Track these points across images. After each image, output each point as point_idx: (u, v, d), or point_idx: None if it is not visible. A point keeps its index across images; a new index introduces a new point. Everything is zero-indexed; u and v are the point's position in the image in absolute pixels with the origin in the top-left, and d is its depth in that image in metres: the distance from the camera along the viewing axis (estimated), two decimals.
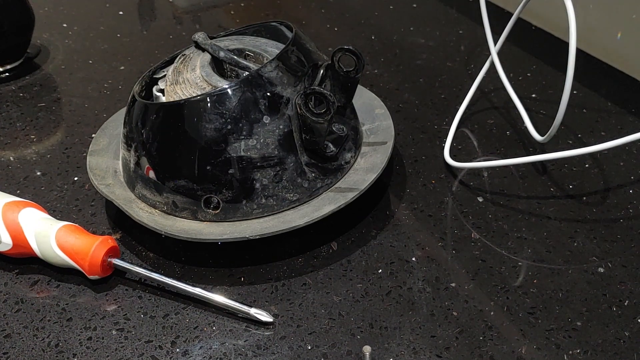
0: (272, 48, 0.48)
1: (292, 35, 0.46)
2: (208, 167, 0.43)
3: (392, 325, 0.39)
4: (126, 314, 0.41)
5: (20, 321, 0.41)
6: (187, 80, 0.45)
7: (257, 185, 0.43)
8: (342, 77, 0.46)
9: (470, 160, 0.52)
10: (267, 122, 0.43)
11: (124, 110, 0.50)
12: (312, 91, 0.42)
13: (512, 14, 0.61)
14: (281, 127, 0.43)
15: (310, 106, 0.43)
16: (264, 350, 0.39)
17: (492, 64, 0.57)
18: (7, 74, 0.67)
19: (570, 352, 0.38)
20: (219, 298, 0.41)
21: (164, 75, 0.48)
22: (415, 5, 0.78)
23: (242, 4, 0.81)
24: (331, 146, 0.46)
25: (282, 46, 0.48)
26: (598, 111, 0.57)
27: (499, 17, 0.72)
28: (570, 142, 0.54)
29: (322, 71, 0.46)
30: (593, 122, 0.56)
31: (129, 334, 0.40)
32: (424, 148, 0.54)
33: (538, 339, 0.38)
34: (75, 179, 0.53)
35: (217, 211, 0.44)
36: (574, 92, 0.60)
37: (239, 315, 0.41)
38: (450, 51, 0.68)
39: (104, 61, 0.69)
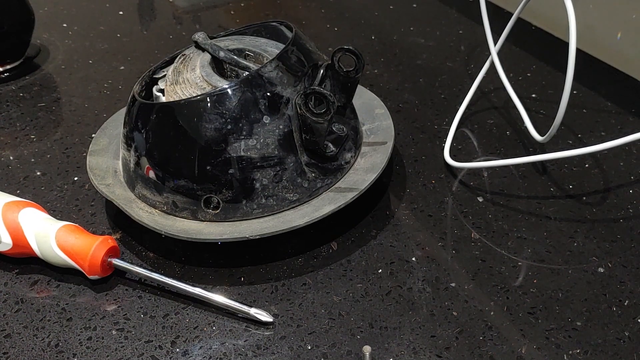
0: (272, 48, 0.48)
1: (292, 35, 0.46)
2: (208, 167, 0.43)
3: (392, 325, 0.39)
4: (126, 314, 0.41)
5: (20, 321, 0.41)
6: (187, 80, 0.45)
7: (257, 185, 0.43)
8: (342, 77, 0.46)
9: (470, 160, 0.52)
10: (267, 122, 0.43)
11: (124, 110, 0.50)
12: (312, 91, 0.42)
13: (512, 14, 0.61)
14: (281, 127, 0.43)
15: (310, 106, 0.43)
16: (264, 350, 0.39)
17: (492, 64, 0.57)
18: (7, 74, 0.67)
19: (570, 352, 0.38)
20: (219, 298, 0.41)
21: (164, 75, 0.48)
22: (415, 5, 0.78)
23: (242, 4, 0.81)
24: (331, 146, 0.46)
25: (282, 46, 0.48)
26: (598, 111, 0.57)
27: (499, 17, 0.72)
28: (570, 142, 0.54)
29: (322, 71, 0.46)
30: (593, 122, 0.56)
31: (129, 334, 0.40)
32: (424, 148, 0.54)
33: (538, 339, 0.38)
34: (75, 179, 0.53)
35: (217, 211, 0.44)
36: (574, 92, 0.60)
37: (239, 315, 0.41)
38: (450, 51, 0.68)
39: (104, 61, 0.69)
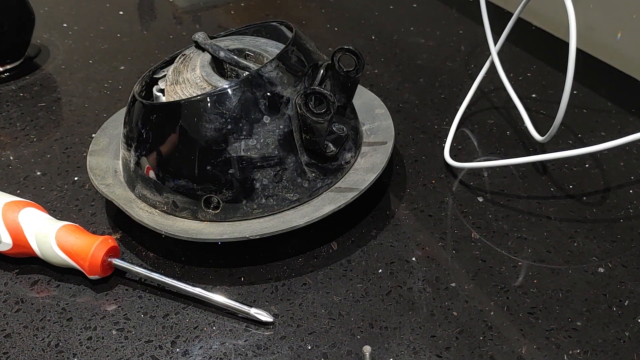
0: (272, 48, 0.48)
1: (292, 35, 0.46)
2: (208, 167, 0.43)
3: (392, 325, 0.39)
4: (126, 314, 0.41)
5: (20, 321, 0.41)
6: (187, 80, 0.45)
7: (257, 185, 0.43)
8: (342, 77, 0.46)
9: (470, 160, 0.52)
10: (267, 122, 0.43)
11: (124, 110, 0.50)
12: (312, 91, 0.42)
13: (512, 14, 0.61)
14: (281, 127, 0.43)
15: (310, 106, 0.43)
16: (264, 350, 0.39)
17: (492, 64, 0.57)
18: (7, 74, 0.67)
19: (570, 352, 0.38)
20: (219, 298, 0.41)
21: (164, 75, 0.48)
22: (415, 5, 0.78)
23: (242, 4, 0.81)
24: (331, 146, 0.46)
25: (282, 46, 0.48)
26: (598, 111, 0.57)
27: (499, 17, 0.72)
28: (570, 142, 0.54)
29: (322, 71, 0.46)
30: (593, 122, 0.56)
31: (129, 334, 0.40)
32: (424, 148, 0.54)
33: (538, 339, 0.38)
34: (75, 178, 0.53)
35: (217, 211, 0.44)
36: (574, 92, 0.60)
37: (239, 315, 0.41)
38: (450, 51, 0.68)
39: (104, 61, 0.69)
